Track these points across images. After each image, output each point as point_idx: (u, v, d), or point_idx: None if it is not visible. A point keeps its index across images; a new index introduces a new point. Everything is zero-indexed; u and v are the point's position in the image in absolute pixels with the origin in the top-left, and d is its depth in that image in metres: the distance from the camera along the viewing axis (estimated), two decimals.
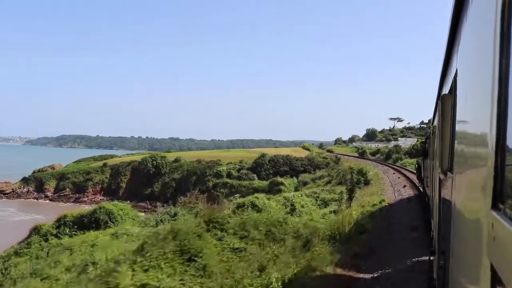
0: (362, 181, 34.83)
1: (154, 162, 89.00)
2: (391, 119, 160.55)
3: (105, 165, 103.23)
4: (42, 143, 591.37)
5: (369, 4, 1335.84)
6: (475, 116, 2.29)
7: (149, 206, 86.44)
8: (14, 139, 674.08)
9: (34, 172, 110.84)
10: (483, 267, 1.74)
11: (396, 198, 24.21)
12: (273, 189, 72.02)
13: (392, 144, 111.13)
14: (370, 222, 15.26)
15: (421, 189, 22.27)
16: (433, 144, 9.21)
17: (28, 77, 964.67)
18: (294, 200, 28.78)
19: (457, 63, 3.66)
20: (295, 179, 77.27)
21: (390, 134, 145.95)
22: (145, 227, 17.27)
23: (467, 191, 2.60)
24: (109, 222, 24.38)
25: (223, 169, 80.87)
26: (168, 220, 20.91)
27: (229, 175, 79.88)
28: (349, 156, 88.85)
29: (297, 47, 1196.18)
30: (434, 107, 8.75)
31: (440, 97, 5.43)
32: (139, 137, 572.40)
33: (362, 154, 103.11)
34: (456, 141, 3.48)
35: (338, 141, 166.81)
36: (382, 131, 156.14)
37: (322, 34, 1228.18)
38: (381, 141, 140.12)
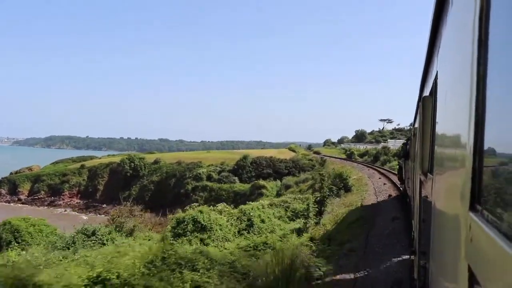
0: (342, 187, 31.26)
1: (132, 163, 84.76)
2: (381, 120, 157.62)
3: (82, 166, 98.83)
4: (30, 144, 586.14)
5: (367, 5, 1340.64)
6: (454, 118, 2.31)
7: None
8: (2, 140, 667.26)
9: (11, 173, 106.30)
10: (461, 268, 1.75)
11: (377, 211, 20.71)
12: (255, 193, 68.43)
13: (381, 145, 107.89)
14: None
15: (402, 189, 23.04)
16: (414, 146, 9.18)
17: (17, 77, 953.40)
18: (252, 214, 25.01)
19: (437, 65, 3.74)
20: (278, 182, 73.62)
21: (380, 136, 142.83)
22: (48, 253, 13.17)
23: (446, 192, 2.63)
24: (13, 242, 19.99)
25: (203, 172, 77.03)
26: (83, 240, 16.79)
27: (209, 178, 76.04)
28: (336, 158, 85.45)
29: (293, 47, 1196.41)
30: (416, 109, 8.88)
31: (421, 99, 5.68)
32: (128, 138, 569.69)
33: (349, 156, 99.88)
34: (436, 143, 3.57)
35: (327, 143, 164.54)
36: (371, 133, 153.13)
37: (313, 37, 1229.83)
38: (370, 142, 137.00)
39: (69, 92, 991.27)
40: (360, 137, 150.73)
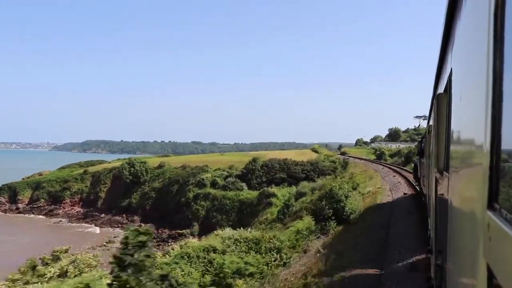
0: (332, 218, 20.13)
1: (132, 169, 76.04)
2: (416, 117, 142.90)
3: (85, 172, 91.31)
4: (67, 148, 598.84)
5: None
6: (470, 115, 2.28)
7: (125, 221, 73.79)
8: (43, 145, 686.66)
9: (23, 179, 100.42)
10: (479, 267, 1.72)
11: None
12: (262, 202, 58.11)
13: (415, 144, 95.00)
14: None
15: (418, 188, 22.49)
16: (429, 144, 9.32)
17: (56, 85, 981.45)
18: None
19: (451, 62, 3.71)
20: (294, 188, 62.97)
21: (415, 134, 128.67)
22: None
23: (463, 191, 2.59)
24: None
25: (207, 177, 67.32)
26: None
27: (213, 184, 66.26)
28: (361, 159, 73.78)
29: (317, 48, 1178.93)
30: (430, 106, 9.21)
31: (435, 96, 5.72)
32: (162, 141, 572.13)
33: (379, 157, 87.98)
34: (451, 140, 3.52)
35: (358, 142, 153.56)
36: (406, 131, 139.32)
37: (346, 36, 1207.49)
38: (405, 141, 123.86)
39: (105, 97, 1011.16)
40: (394, 135, 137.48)
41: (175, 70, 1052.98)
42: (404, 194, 24.69)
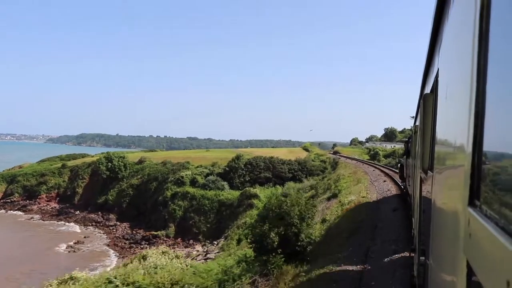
0: (294, 243, 15.32)
1: (109, 164, 71.39)
2: (412, 117, 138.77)
3: (63, 166, 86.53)
4: (62, 141, 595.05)
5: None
6: (455, 115, 2.31)
7: (101, 219, 69.30)
8: (38, 137, 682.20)
9: (3, 172, 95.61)
10: (459, 263, 1.76)
11: None
12: (243, 203, 53.64)
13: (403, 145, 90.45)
14: None
15: (403, 188, 22.35)
16: (415, 144, 9.23)
17: (51, 76, 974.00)
18: None
19: (438, 62, 3.76)
20: (279, 189, 58.51)
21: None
22: None
23: (446, 189, 2.62)
24: None
25: (186, 175, 62.80)
26: None
27: (193, 183, 61.71)
28: (353, 159, 69.33)
29: (316, 49, 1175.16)
30: (417, 106, 9.16)
31: (422, 96, 5.78)
32: (157, 136, 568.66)
33: (373, 157, 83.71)
34: (436, 140, 3.56)
35: (353, 142, 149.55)
36: (402, 131, 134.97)
37: (345, 37, 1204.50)
38: (401, 141, 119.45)
39: (101, 90, 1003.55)
40: (389, 135, 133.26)
41: (171, 68, 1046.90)
42: (394, 209, 19.59)
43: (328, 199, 30.00)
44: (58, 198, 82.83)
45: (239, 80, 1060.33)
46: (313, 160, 75.05)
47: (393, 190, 26.00)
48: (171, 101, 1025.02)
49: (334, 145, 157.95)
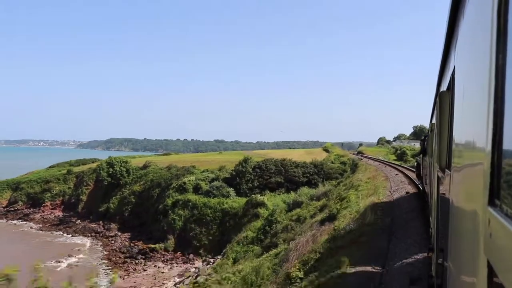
0: None
1: (111, 169, 66.22)
2: None
3: (69, 172, 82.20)
4: (92, 146, 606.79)
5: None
6: (473, 113, 2.28)
7: (101, 229, 64.15)
8: (69, 143, 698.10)
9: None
10: (480, 263, 1.74)
11: None
12: (249, 213, 47.15)
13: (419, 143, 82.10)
14: None
15: (420, 187, 21.79)
16: (432, 142, 9.17)
17: (82, 84, 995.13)
18: None
19: (454, 60, 3.69)
20: (292, 195, 51.78)
21: None
22: None
23: (465, 188, 2.58)
24: None
25: (190, 180, 56.79)
26: None
27: (196, 189, 55.63)
28: (376, 160, 61.72)
29: (343, 51, 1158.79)
30: (433, 104, 9.39)
31: (438, 94, 5.51)
32: (184, 139, 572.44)
33: (401, 156, 75.80)
34: (454, 138, 3.51)
35: (381, 141, 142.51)
36: None
37: (375, 37, 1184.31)
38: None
39: (129, 96, 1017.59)
40: (419, 133, 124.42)
41: (198, 69, 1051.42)
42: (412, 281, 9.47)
43: (322, 222, 22.29)
44: (62, 206, 78.63)
45: (269, 80, 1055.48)
46: (332, 162, 67.90)
47: (416, 207, 18.80)
48: (199, 103, 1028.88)
49: (360, 145, 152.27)
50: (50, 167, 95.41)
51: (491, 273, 1.49)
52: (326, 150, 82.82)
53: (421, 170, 19.85)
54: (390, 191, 24.81)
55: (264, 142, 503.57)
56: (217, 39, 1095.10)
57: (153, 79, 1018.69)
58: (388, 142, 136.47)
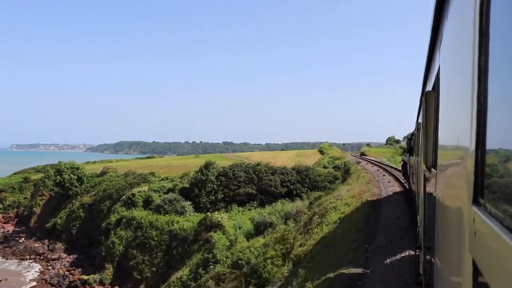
0: None
1: (59, 177, 55.28)
2: None
3: (26, 180, 71.70)
4: (101, 149, 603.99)
5: None
6: (457, 112, 2.32)
7: (44, 249, 53.28)
8: (79, 147, 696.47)
9: None
10: (465, 261, 1.76)
11: None
12: (200, 238, 35.66)
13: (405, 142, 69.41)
14: None
15: (407, 185, 22.09)
16: (418, 141, 9.18)
17: (93, 88, 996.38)
18: None
19: (439, 60, 3.75)
20: (266, 210, 40.18)
21: None
22: None
23: (450, 187, 2.62)
24: None
25: (140, 192, 45.44)
26: None
27: (147, 202, 44.31)
28: (375, 163, 49.70)
29: (356, 50, 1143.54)
30: (419, 103, 9.37)
31: (423, 94, 5.57)
32: (193, 142, 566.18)
33: None
34: (439, 137, 3.56)
35: (389, 141, 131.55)
36: None
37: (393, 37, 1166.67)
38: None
39: (138, 99, 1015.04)
40: None
41: (206, 72, 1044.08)
42: None
43: None
44: (16, 219, 68.23)
45: (276, 81, 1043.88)
46: (324, 166, 56.08)
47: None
48: (207, 106, 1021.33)
49: (367, 145, 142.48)
50: (16, 173, 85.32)
51: (476, 270, 1.51)
52: (321, 152, 70.89)
53: (408, 169, 19.93)
54: (374, 227, 13.23)
55: (273, 143, 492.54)
56: (223, 41, 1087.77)
57: (162, 81, 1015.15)
58: (397, 141, 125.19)
